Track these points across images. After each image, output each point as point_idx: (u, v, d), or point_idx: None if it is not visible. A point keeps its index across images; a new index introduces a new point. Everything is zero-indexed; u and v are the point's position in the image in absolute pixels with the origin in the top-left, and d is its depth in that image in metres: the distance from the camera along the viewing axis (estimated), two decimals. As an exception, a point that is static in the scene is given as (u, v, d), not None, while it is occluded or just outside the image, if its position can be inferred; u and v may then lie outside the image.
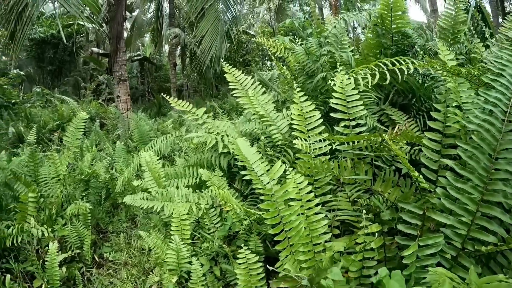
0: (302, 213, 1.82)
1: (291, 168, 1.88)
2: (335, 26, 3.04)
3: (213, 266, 2.51)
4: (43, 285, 2.60)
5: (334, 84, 2.07)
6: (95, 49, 17.74)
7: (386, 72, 2.00)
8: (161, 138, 3.61)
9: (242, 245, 1.98)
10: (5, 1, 5.48)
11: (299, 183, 1.82)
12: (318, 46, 2.99)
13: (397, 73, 1.99)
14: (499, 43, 3.14)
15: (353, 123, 2.06)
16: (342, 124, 2.09)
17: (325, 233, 1.85)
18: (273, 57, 3.07)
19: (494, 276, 1.30)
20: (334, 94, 2.08)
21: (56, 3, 5.42)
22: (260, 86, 2.84)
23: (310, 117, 2.08)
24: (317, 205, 1.84)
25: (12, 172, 3.42)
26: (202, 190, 2.85)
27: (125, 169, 4.15)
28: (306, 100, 2.30)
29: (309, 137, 2.13)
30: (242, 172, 2.23)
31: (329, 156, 2.14)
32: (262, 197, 1.90)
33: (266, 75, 5.43)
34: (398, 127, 1.75)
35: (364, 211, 1.66)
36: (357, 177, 2.01)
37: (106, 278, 2.97)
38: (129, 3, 19.61)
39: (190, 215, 2.60)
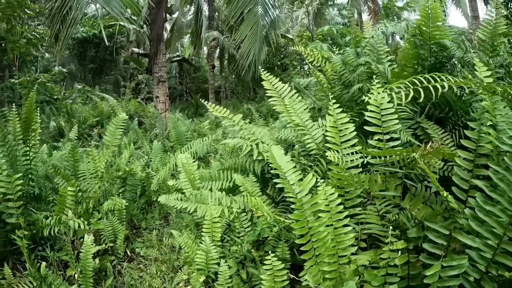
0: (330, 225, 1.84)
1: (323, 180, 1.91)
2: (372, 36, 3.04)
3: (240, 269, 2.56)
4: (76, 275, 2.73)
5: (370, 98, 2.08)
6: (136, 49, 18.35)
7: (421, 90, 1.99)
8: (198, 140, 3.73)
9: (270, 251, 2.02)
10: (50, 2, 5.82)
11: (329, 195, 1.85)
12: (355, 56, 3.00)
13: (432, 90, 1.98)
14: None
15: (387, 136, 2.06)
16: (376, 137, 2.10)
17: (352, 245, 1.87)
18: (310, 66, 3.11)
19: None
20: (369, 107, 2.09)
21: (97, 4, 5.66)
22: (297, 94, 2.88)
23: (344, 129, 2.10)
24: (345, 217, 1.86)
25: (53, 165, 3.63)
26: (235, 193, 2.93)
27: (161, 169, 4.30)
28: (342, 111, 2.31)
29: (342, 149, 2.15)
30: (275, 180, 2.27)
31: (360, 169, 2.15)
32: (292, 206, 1.94)
33: (303, 81, 5.44)
34: (430, 145, 1.74)
35: (391, 227, 1.66)
36: (386, 193, 2.01)
37: (136, 272, 3.10)
38: (168, 5, 20.16)
39: (222, 218, 2.67)
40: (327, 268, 1.79)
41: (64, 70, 14.97)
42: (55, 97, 14.46)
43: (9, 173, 3.12)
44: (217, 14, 18.63)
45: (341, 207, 1.86)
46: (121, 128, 3.38)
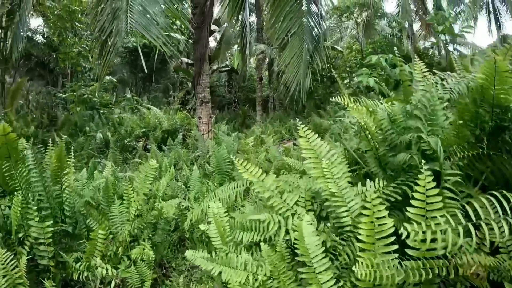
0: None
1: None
2: (426, 92, 2.73)
3: None
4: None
5: (415, 191, 1.83)
6: (185, 59, 18.74)
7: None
8: (232, 185, 3.60)
9: None
10: (91, 27, 5.96)
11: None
12: (404, 113, 2.72)
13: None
14: None
15: (430, 235, 1.78)
16: (416, 237, 1.81)
17: None
18: (352, 125, 2.87)
19: None
20: (413, 201, 1.84)
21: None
22: (335, 154, 2.65)
23: (381, 224, 1.85)
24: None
25: (86, 203, 3.67)
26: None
27: (196, 205, 4.22)
28: (387, 180, 2.06)
29: (376, 255, 1.89)
30: (300, 269, 2.09)
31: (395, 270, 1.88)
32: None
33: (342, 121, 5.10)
34: (475, 270, 1.47)
35: None
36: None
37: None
38: (217, 17, 20.42)
39: (246, 285, 2.51)
40: None
41: (114, 79, 15.58)
42: (105, 104, 15.13)
43: (42, 215, 3.17)
44: (265, 24, 18.59)
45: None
46: (151, 177, 3.30)
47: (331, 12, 21.58)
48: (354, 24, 22.48)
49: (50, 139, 4.79)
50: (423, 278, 1.72)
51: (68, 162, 3.74)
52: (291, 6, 6.08)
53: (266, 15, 18.07)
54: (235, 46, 23.38)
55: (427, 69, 3.18)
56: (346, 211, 2.34)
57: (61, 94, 14.58)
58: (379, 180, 2.55)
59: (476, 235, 1.79)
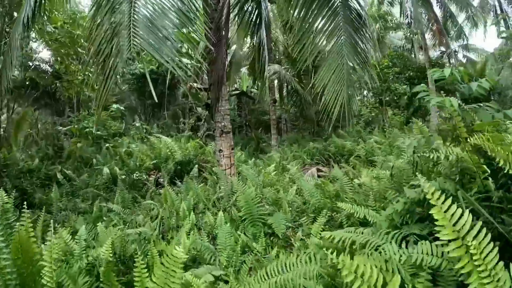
0: None
1: None
2: None
3: None
4: None
5: None
6: (194, 84, 17.83)
7: None
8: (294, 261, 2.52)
9: None
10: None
11: None
12: None
13: None
14: None
15: None
16: None
17: None
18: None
19: None
20: None
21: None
22: (479, 226, 1.59)
23: None
24: None
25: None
26: None
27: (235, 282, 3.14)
28: None
29: None
30: None
31: None
32: None
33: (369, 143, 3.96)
34: None
35: None
36: None
37: None
38: (225, 39, 19.62)
39: None
40: None
41: (122, 107, 14.72)
42: (113, 133, 14.23)
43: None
44: (273, 45, 17.75)
45: None
46: (177, 275, 2.18)
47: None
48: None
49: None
50: None
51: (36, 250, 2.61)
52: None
53: (274, 34, 17.26)
54: (244, 68, 22.58)
55: None
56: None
57: (61, 127, 13.71)
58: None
59: None
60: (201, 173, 8.95)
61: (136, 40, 3.68)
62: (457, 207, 1.63)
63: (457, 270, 1.54)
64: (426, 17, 18.10)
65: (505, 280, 1.49)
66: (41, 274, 2.36)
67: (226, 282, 3.26)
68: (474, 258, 1.50)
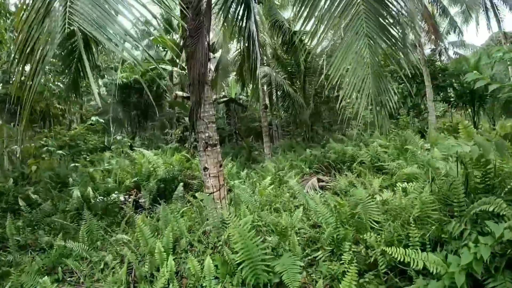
0: None
1: None
2: None
3: None
4: None
5: None
6: (179, 93, 16.63)
7: None
8: None
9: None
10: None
11: None
12: None
13: None
14: None
15: None
16: None
17: None
18: None
19: None
20: None
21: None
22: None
23: None
24: None
25: None
26: None
27: None
28: None
29: None
30: None
31: None
32: None
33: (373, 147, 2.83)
34: None
35: None
36: None
37: None
38: (211, 43, 18.42)
39: None
40: None
41: (101, 120, 13.36)
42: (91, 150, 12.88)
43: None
44: (261, 49, 16.59)
45: None
46: None
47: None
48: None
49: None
50: None
51: None
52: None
53: (262, 37, 16.07)
54: (232, 74, 21.37)
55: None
56: None
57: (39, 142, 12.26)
58: None
59: None
60: (188, 191, 7.72)
61: (74, 17, 2.50)
62: None
63: None
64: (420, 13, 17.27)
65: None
66: None
67: None
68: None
